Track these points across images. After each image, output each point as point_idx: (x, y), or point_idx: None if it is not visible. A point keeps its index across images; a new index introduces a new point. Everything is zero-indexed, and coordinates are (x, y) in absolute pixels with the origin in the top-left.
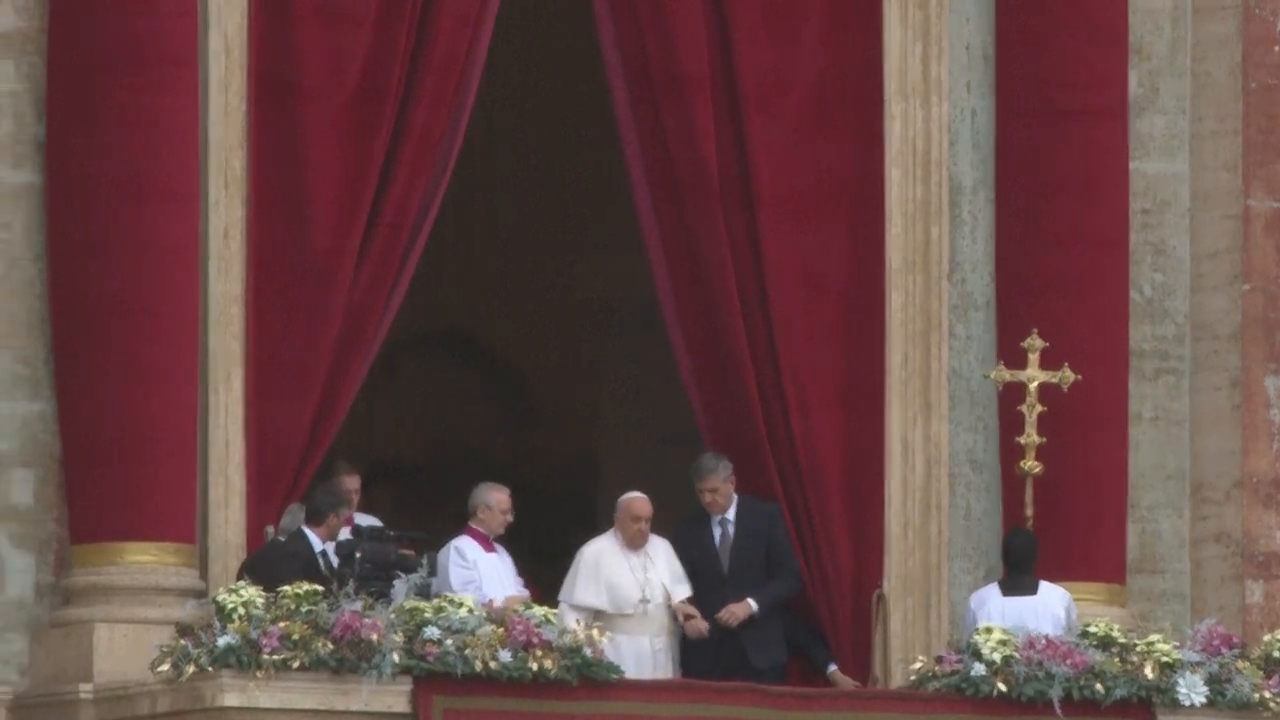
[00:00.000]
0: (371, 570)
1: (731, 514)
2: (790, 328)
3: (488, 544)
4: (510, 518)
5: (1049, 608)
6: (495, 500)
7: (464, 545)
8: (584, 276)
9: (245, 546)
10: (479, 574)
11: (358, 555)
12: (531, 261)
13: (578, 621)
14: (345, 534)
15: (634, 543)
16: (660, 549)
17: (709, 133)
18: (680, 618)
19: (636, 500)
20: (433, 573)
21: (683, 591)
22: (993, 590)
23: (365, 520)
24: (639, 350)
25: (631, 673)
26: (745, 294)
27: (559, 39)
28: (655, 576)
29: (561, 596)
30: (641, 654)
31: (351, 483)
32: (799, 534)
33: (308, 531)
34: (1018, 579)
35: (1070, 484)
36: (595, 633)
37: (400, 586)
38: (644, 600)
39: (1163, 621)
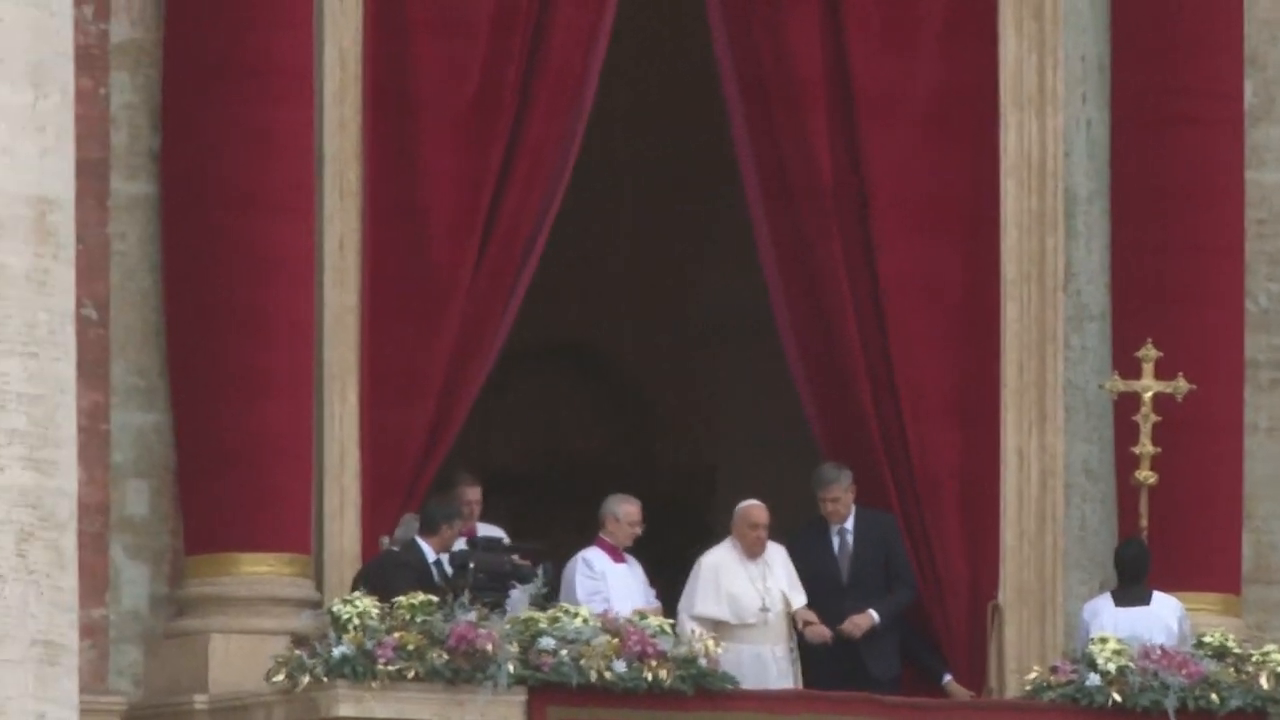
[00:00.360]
0: (485, 580)
1: (850, 524)
2: (905, 338)
3: (617, 555)
4: (639, 530)
5: (1161, 618)
6: (624, 512)
7: (592, 556)
8: (700, 287)
9: (360, 557)
10: (606, 585)
11: (471, 565)
12: (648, 272)
13: (693, 631)
14: (462, 544)
15: (752, 550)
16: (777, 556)
17: (823, 142)
18: (800, 624)
19: (754, 508)
20: (548, 583)
21: (799, 599)
22: (1106, 601)
23: (488, 531)
24: (755, 361)
25: (751, 682)
26: (859, 304)
27: (674, 47)
28: (774, 585)
29: (681, 608)
30: (763, 663)
31: (473, 494)
32: (914, 544)
33: (421, 542)
34: (1131, 589)
35: (1185, 494)
36: (710, 643)
37: (519, 596)
38: (764, 609)
39: (1278, 631)
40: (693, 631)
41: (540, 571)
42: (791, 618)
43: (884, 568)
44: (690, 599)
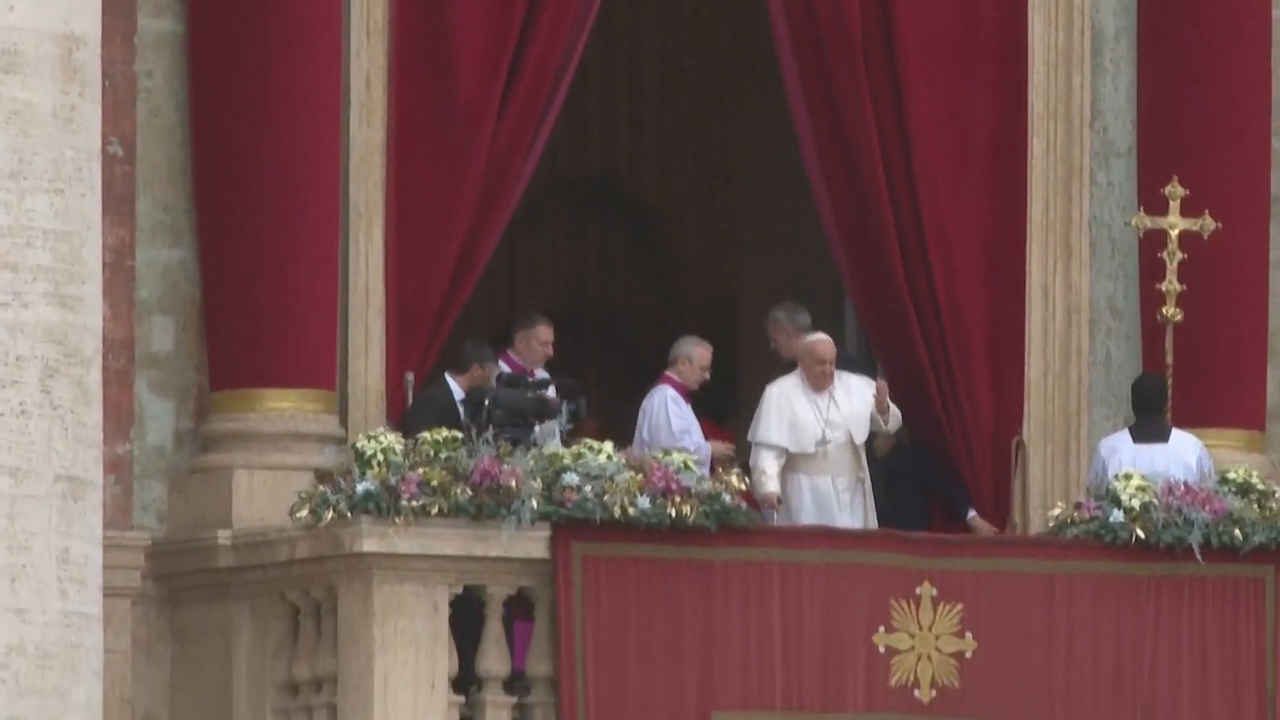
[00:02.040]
0: (504, 417)
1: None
2: (932, 178)
3: (687, 395)
4: (707, 376)
5: (1180, 456)
6: (698, 355)
7: (675, 394)
8: (731, 125)
9: (385, 393)
10: (688, 423)
11: (486, 403)
12: (677, 111)
13: (777, 458)
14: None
15: (817, 385)
16: (848, 389)
17: None
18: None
19: (820, 343)
20: (573, 419)
21: (863, 434)
22: (1124, 437)
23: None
24: (783, 199)
25: (812, 512)
26: (886, 145)
27: None
28: (838, 417)
29: (750, 437)
30: (823, 495)
31: (547, 334)
32: (938, 383)
33: (450, 380)
34: (1150, 426)
35: (1210, 331)
36: (734, 478)
37: (552, 429)
38: (824, 441)
39: None
40: (777, 458)
41: (564, 408)
42: (855, 450)
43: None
44: (759, 428)
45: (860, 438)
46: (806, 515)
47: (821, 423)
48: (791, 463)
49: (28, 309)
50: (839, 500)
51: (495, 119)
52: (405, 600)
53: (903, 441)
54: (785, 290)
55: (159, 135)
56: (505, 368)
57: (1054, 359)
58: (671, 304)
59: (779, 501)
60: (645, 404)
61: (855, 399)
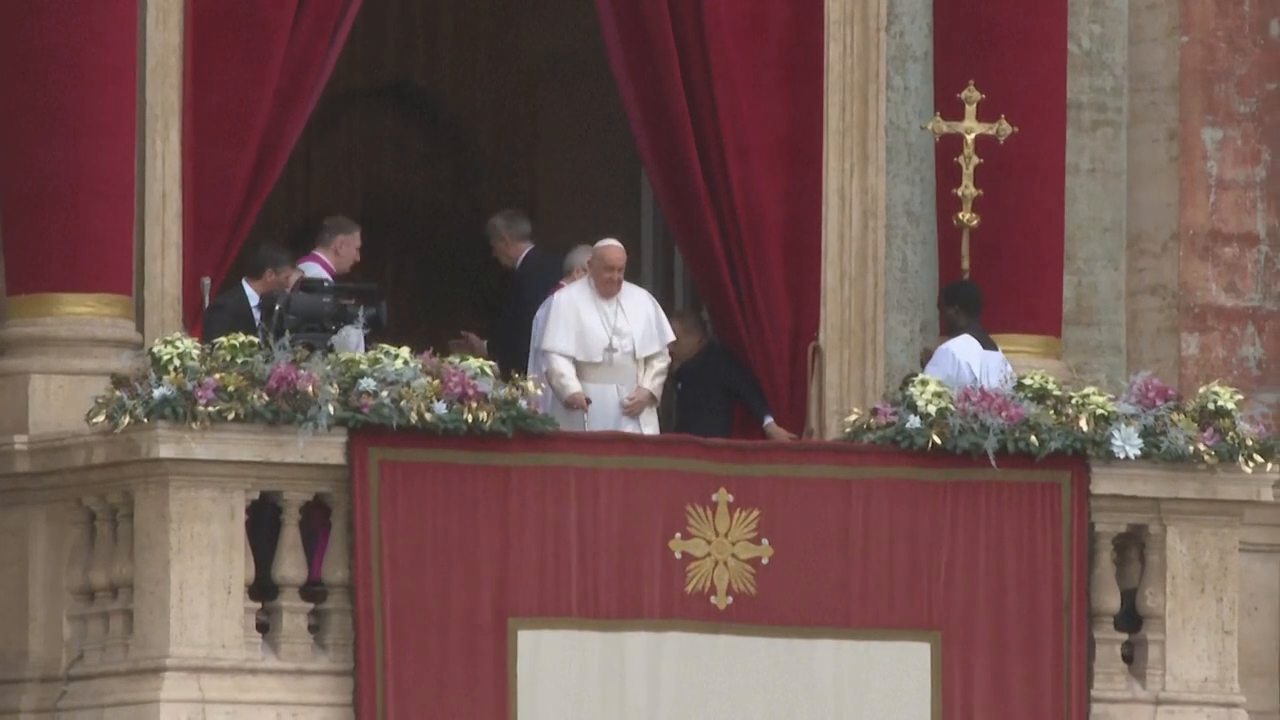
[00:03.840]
0: (298, 322)
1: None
2: (730, 78)
3: None
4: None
5: (1006, 363)
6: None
7: None
8: (527, 29)
9: (181, 298)
10: None
11: (277, 308)
12: (475, 13)
13: (572, 364)
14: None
15: (605, 291)
16: (636, 300)
17: None
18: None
19: (610, 249)
20: (373, 324)
21: (652, 346)
22: (971, 342)
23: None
24: (581, 103)
25: (597, 420)
26: (684, 43)
27: None
28: (625, 326)
29: (536, 345)
30: (608, 402)
31: (359, 239)
32: (737, 287)
33: (245, 285)
34: (981, 334)
35: (1007, 236)
36: (530, 384)
37: (352, 335)
38: (610, 349)
39: (1098, 374)
40: (572, 363)
41: (361, 313)
42: (638, 360)
43: None
44: (544, 335)
45: (644, 352)
46: (592, 423)
47: (609, 330)
48: (577, 370)
49: None
50: (621, 409)
51: (292, 22)
52: (202, 506)
53: (714, 343)
54: (581, 189)
55: None
56: (321, 271)
57: (850, 264)
58: (471, 209)
59: (588, 401)
60: (538, 315)
61: (640, 312)
